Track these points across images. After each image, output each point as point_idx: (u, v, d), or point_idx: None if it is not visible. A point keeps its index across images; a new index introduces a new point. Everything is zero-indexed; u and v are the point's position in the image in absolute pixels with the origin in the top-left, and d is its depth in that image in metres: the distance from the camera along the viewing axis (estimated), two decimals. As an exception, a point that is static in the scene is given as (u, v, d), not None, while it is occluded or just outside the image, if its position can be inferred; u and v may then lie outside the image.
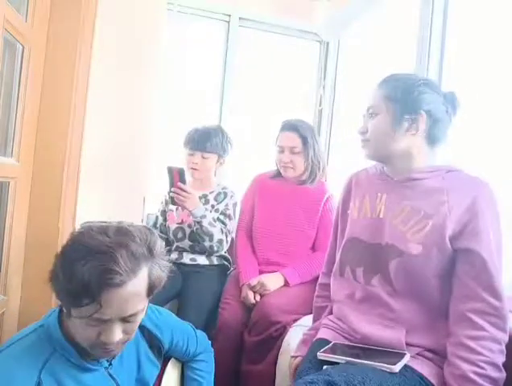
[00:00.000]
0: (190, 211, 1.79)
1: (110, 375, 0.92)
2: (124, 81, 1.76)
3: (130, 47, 1.78)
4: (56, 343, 0.84)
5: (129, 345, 0.92)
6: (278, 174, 1.93)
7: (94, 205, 1.50)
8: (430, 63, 1.82)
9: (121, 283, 0.77)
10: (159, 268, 0.85)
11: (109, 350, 0.83)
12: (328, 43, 2.78)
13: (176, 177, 1.75)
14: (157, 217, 2.06)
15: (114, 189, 1.77)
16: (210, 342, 1.24)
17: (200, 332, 1.19)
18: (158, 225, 2.05)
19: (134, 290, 0.79)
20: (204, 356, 1.19)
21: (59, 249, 0.83)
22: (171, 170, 1.75)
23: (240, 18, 2.66)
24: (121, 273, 0.76)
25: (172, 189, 1.75)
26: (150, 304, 1.02)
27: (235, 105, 2.68)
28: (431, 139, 1.11)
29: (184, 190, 1.74)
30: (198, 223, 1.79)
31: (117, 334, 0.80)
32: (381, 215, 1.14)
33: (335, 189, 1.87)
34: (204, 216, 1.79)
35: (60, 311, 0.86)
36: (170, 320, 1.09)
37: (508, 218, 1.12)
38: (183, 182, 1.76)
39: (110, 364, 0.92)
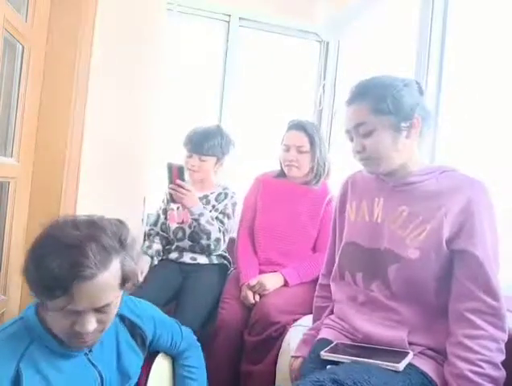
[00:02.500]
0: (188, 209, 1.79)
1: (91, 361, 0.92)
2: (124, 81, 1.76)
3: (130, 48, 1.78)
4: (35, 333, 0.85)
5: (109, 333, 0.93)
6: (281, 174, 1.91)
7: (94, 205, 1.50)
8: (430, 63, 1.82)
9: (92, 276, 0.77)
10: (132, 260, 0.86)
11: (84, 340, 0.83)
12: (328, 43, 2.78)
13: (175, 174, 1.75)
14: (158, 215, 2.04)
15: (114, 189, 1.77)
16: (198, 338, 1.24)
17: (184, 327, 1.20)
18: (159, 224, 2.02)
19: (106, 282, 0.80)
20: (191, 352, 1.19)
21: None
22: (170, 167, 1.75)
23: (240, 18, 2.67)
24: (91, 267, 0.77)
25: (170, 186, 1.76)
26: (130, 296, 1.03)
27: (235, 105, 2.68)
28: (421, 138, 1.11)
29: (183, 187, 1.75)
30: (196, 220, 1.79)
31: (91, 324, 0.81)
32: (378, 220, 1.13)
33: (334, 189, 1.87)
34: (202, 214, 1.79)
35: (38, 304, 0.87)
36: (150, 310, 1.09)
37: (504, 217, 1.12)
38: (182, 179, 1.76)
39: (90, 351, 0.92)
